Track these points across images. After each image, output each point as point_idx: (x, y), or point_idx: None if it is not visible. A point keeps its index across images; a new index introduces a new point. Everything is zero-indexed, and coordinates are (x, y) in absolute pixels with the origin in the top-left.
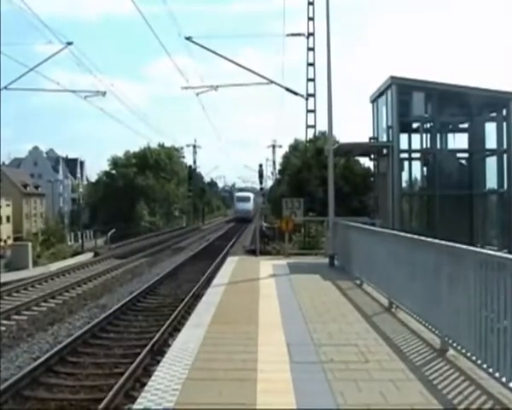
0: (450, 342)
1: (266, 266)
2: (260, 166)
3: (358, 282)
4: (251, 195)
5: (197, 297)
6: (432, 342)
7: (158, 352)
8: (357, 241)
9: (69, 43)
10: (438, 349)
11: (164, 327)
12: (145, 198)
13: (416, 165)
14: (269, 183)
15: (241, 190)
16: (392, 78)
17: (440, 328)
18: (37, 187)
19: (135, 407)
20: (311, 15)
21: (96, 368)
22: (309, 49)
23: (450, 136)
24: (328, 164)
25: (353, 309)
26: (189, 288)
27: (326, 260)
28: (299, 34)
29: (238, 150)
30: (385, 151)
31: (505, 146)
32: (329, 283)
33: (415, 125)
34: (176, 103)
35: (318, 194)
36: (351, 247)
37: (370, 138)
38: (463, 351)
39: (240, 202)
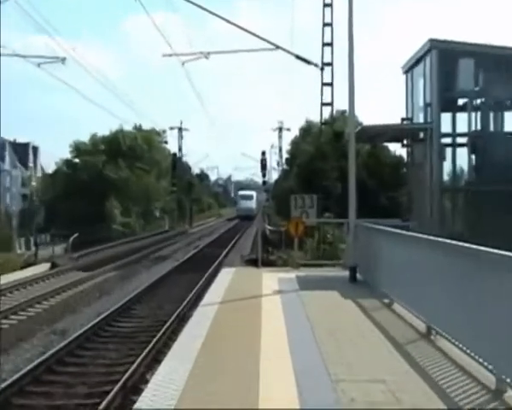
0: (509, 381)
1: (270, 279)
2: (263, 154)
3: (387, 301)
4: (254, 193)
5: (182, 320)
6: (484, 381)
7: (132, 390)
8: (386, 249)
9: None
10: (492, 390)
11: (140, 358)
12: (117, 194)
13: (462, 152)
14: (274, 175)
15: (242, 188)
16: (432, 41)
17: (497, 363)
18: None
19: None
20: None
21: None
22: (325, 4)
23: (506, 115)
24: (349, 152)
25: (380, 335)
26: (173, 308)
27: (346, 273)
28: None
29: (235, 135)
30: (421, 135)
31: None
32: (350, 302)
33: (461, 102)
34: (156, 75)
35: (336, 189)
36: (377, 256)
37: (403, 119)
38: None
39: (243, 200)
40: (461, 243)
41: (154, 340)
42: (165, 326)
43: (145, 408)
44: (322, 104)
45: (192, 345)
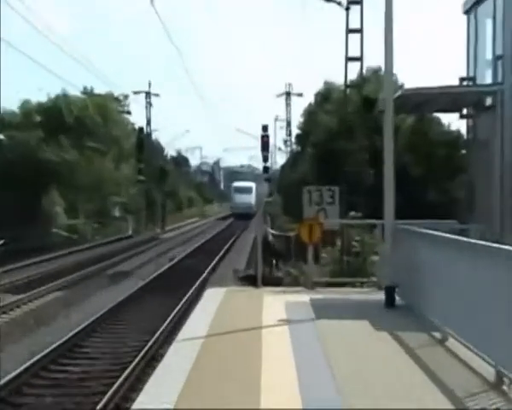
0: None
1: (275, 304)
2: (264, 129)
3: (439, 335)
4: (252, 184)
5: (151, 361)
6: None
7: None
8: (438, 263)
9: None
10: None
11: None
12: (59, 185)
13: None
14: (279, 159)
15: (237, 175)
16: None
17: None
18: None
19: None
20: None
21: None
22: None
23: None
24: (385, 126)
25: (430, 384)
26: (139, 344)
27: (380, 296)
28: None
29: (226, 103)
30: (489, 102)
31: None
32: (386, 335)
33: None
34: (115, 19)
35: (366, 179)
36: (425, 273)
37: (462, 79)
38: None
39: (238, 194)
40: None
41: (112, 390)
42: (128, 370)
43: (143, 408)
44: (348, 59)
45: (162, 399)
